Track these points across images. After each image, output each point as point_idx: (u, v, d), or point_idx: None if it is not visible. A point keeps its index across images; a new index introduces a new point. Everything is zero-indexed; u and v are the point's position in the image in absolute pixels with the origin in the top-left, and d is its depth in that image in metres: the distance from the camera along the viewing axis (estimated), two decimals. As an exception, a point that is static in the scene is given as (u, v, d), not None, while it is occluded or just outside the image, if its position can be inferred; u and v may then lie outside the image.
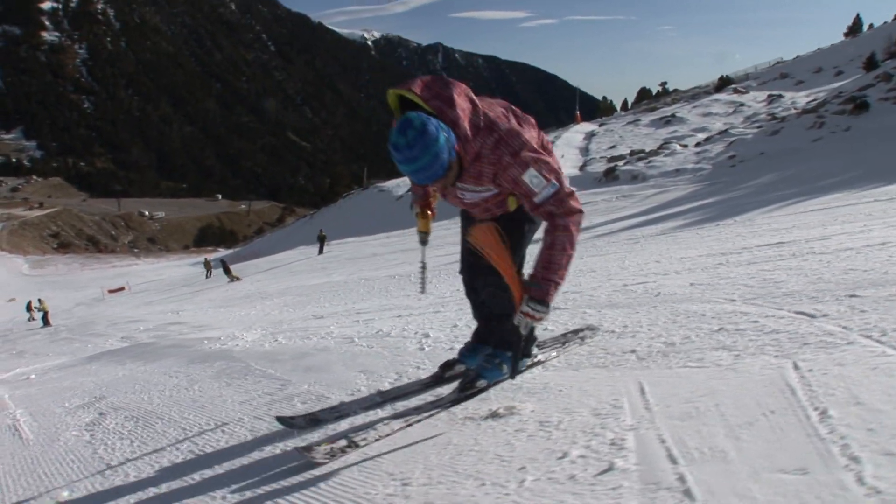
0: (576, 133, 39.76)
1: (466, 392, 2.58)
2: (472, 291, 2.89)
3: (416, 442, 2.20)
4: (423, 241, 3.07)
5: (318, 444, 2.24)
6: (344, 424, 2.63)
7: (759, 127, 25.41)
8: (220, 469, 2.34)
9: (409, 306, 6.62)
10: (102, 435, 3.09)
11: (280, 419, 2.63)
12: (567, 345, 3.14)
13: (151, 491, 2.27)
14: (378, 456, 2.13)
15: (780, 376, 2.07)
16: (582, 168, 28.99)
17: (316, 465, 2.13)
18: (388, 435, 2.30)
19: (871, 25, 50.78)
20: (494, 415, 2.33)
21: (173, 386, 3.95)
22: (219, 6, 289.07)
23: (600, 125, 41.95)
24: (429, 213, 2.95)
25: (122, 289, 27.76)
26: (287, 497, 1.95)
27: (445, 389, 2.85)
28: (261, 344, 5.43)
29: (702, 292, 4.15)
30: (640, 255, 6.89)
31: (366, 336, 4.86)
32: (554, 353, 3.03)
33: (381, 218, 35.85)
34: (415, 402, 2.77)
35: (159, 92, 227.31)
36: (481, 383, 2.61)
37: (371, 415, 2.69)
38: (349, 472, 2.03)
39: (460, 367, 2.96)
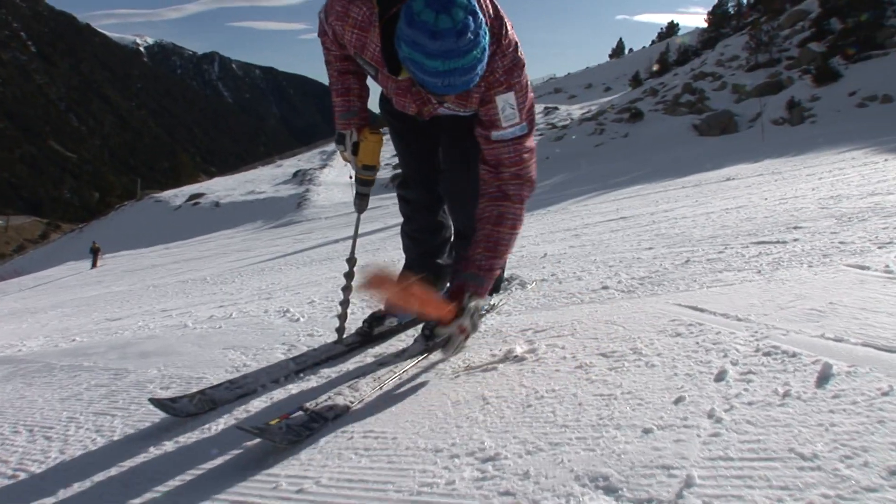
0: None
1: (435, 340, 1.86)
2: (426, 209, 2.21)
3: (430, 406, 1.41)
4: (365, 193, 2.16)
5: (265, 423, 1.33)
6: (257, 403, 1.72)
7: (541, 134, 27.77)
8: (78, 485, 1.28)
9: (226, 299, 5.38)
10: None
11: (155, 402, 1.62)
12: (509, 291, 2.62)
13: None
14: (378, 429, 1.30)
15: (861, 275, 1.72)
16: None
17: (276, 449, 1.24)
18: (361, 401, 1.49)
19: (631, 49, 60.56)
20: (507, 359, 1.65)
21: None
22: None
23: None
24: (378, 133, 2.08)
25: None
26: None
27: (386, 348, 2.10)
28: (54, 345, 3.87)
29: (598, 250, 3.77)
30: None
31: (201, 321, 3.69)
32: (498, 299, 2.46)
33: (158, 230, 33.33)
34: (350, 365, 1.98)
35: None
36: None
37: (292, 388, 1.82)
38: (353, 456, 1.18)
39: (391, 322, 2.26)
